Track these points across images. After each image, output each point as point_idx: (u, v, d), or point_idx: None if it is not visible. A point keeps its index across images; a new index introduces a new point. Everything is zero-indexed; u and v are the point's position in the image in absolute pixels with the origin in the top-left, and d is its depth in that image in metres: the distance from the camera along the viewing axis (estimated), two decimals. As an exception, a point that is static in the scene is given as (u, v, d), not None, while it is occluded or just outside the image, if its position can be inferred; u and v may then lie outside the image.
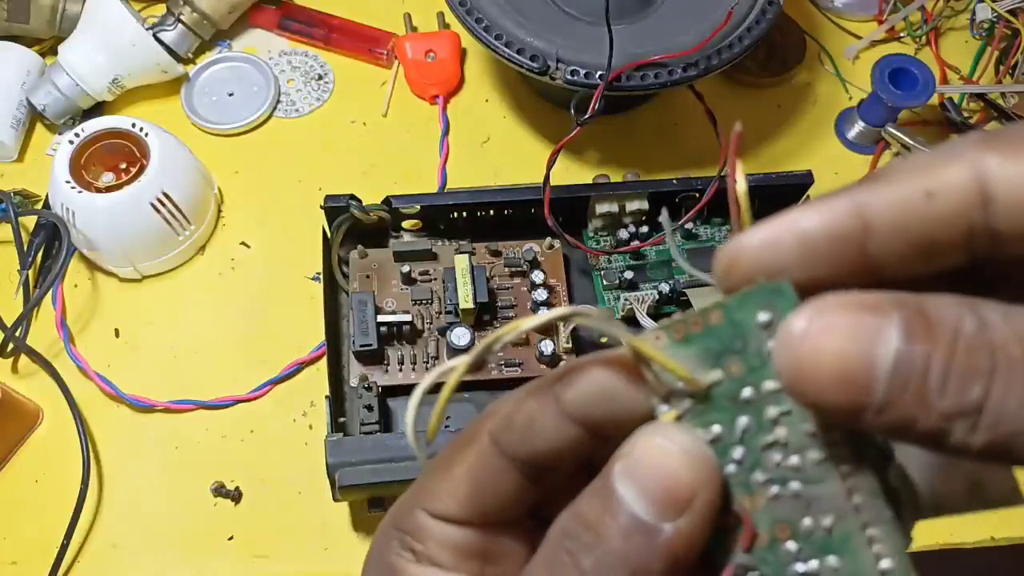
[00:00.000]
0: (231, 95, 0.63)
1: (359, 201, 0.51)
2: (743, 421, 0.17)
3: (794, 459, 0.17)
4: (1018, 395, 0.14)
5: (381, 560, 0.21)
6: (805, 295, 0.16)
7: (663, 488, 0.17)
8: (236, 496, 0.49)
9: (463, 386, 0.18)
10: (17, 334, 0.51)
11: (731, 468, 0.17)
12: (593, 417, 0.19)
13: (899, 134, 0.59)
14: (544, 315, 0.18)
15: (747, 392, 0.17)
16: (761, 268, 0.17)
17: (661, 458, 0.17)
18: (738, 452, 0.17)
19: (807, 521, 0.17)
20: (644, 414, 0.18)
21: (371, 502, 0.46)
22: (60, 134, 0.61)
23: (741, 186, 0.18)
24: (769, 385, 0.17)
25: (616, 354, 0.19)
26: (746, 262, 0.17)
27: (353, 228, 0.51)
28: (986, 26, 0.63)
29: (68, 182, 0.51)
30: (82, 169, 0.52)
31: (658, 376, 0.18)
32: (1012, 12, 0.62)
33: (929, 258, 0.16)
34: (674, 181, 0.53)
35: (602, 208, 0.53)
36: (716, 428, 0.17)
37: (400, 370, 0.50)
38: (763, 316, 0.17)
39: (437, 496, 0.20)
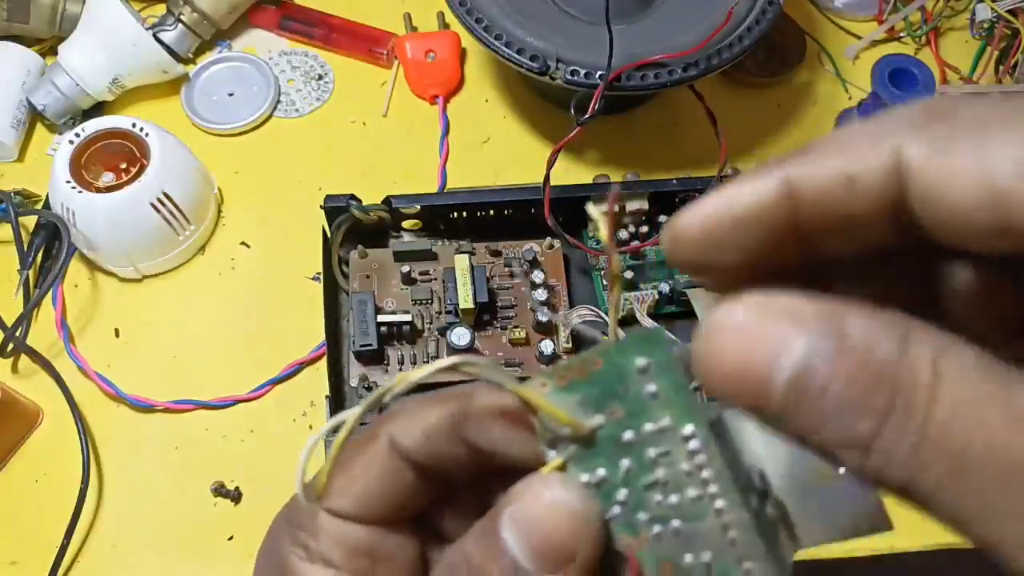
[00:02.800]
0: (231, 95, 0.63)
1: (359, 201, 0.51)
2: (625, 463, 0.18)
3: (673, 498, 0.17)
4: (908, 445, 0.14)
5: (273, 555, 0.21)
6: (747, 281, 0.16)
7: (547, 543, 0.17)
8: (236, 496, 0.49)
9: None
10: (17, 334, 0.51)
11: (616, 510, 0.18)
12: (481, 449, 0.19)
13: (899, 134, 0.58)
14: (433, 365, 0.18)
15: (628, 435, 0.18)
16: (701, 246, 0.17)
17: (547, 514, 0.17)
18: (622, 494, 0.18)
19: (688, 557, 0.17)
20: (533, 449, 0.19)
21: (371, 502, 0.46)
22: (60, 134, 0.61)
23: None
24: (648, 427, 0.18)
25: (506, 401, 0.19)
26: (687, 241, 0.17)
27: (353, 228, 0.51)
28: (986, 26, 0.63)
29: (68, 182, 0.51)
30: (82, 169, 0.52)
31: (543, 423, 0.18)
32: (1012, 12, 0.62)
33: (854, 237, 0.16)
34: (674, 181, 0.53)
35: (602, 208, 0.53)
36: (600, 471, 0.18)
37: (400, 370, 0.50)
38: (641, 362, 0.17)
39: (333, 492, 0.20)
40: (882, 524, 0.18)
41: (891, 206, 0.15)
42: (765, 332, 0.15)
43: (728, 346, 0.15)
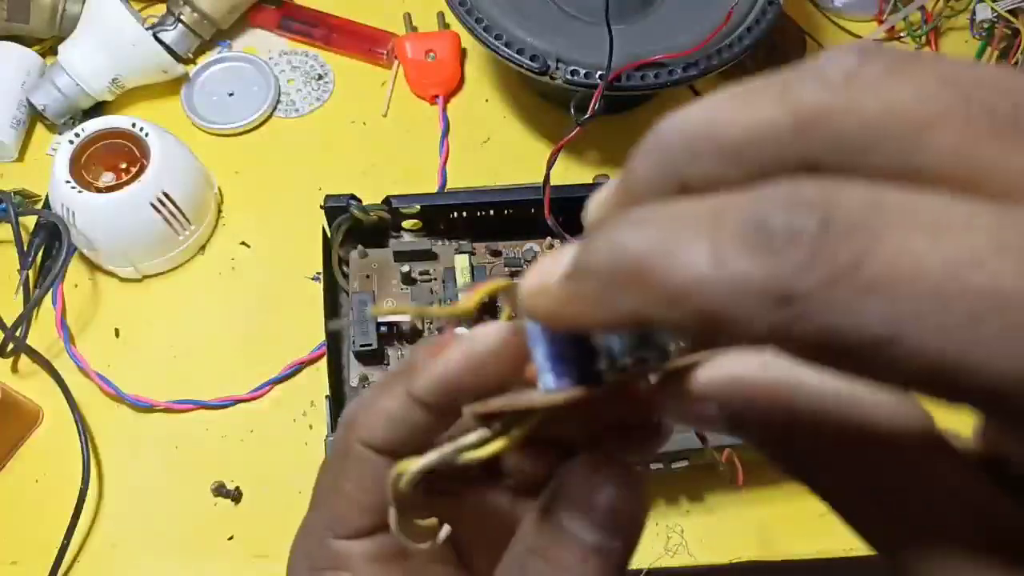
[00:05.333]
0: (231, 95, 0.63)
1: (359, 201, 0.51)
2: None
3: None
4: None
5: None
6: None
7: (609, 518, 0.17)
8: (236, 496, 0.49)
9: None
10: (17, 334, 0.51)
11: None
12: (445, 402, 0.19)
13: (899, 134, 0.58)
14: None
15: None
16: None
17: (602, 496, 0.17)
18: None
19: None
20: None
21: (371, 502, 0.46)
22: (60, 134, 0.61)
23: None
24: None
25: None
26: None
27: (353, 228, 0.51)
28: (986, 26, 0.63)
29: (68, 182, 0.51)
30: (82, 169, 0.52)
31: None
32: (1012, 12, 0.62)
33: None
34: (674, 181, 0.53)
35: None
36: None
37: (400, 370, 0.50)
38: None
39: (339, 519, 0.21)
40: None
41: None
42: None
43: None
